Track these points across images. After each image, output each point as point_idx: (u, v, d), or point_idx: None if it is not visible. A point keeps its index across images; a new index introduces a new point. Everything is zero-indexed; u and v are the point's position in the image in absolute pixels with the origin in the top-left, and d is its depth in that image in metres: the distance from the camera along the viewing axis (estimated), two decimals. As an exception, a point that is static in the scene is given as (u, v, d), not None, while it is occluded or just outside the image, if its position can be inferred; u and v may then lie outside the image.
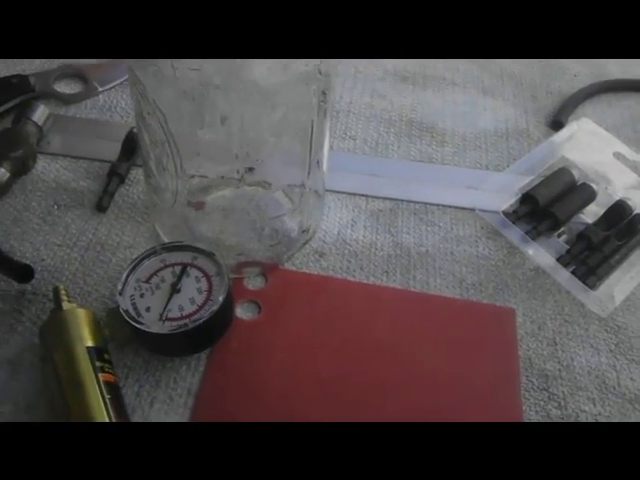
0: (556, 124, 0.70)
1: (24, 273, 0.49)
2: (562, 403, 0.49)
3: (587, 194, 0.61)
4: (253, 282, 0.53)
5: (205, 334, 0.46)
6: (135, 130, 0.61)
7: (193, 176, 0.49)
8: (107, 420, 0.40)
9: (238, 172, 0.47)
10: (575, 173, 0.62)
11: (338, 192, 0.61)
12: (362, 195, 0.62)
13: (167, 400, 0.46)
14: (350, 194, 0.62)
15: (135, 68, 0.43)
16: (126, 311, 0.45)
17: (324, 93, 0.46)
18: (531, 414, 0.48)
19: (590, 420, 0.48)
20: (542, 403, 0.48)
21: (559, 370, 0.50)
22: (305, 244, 0.56)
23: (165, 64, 0.41)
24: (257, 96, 0.43)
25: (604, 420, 0.48)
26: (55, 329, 0.44)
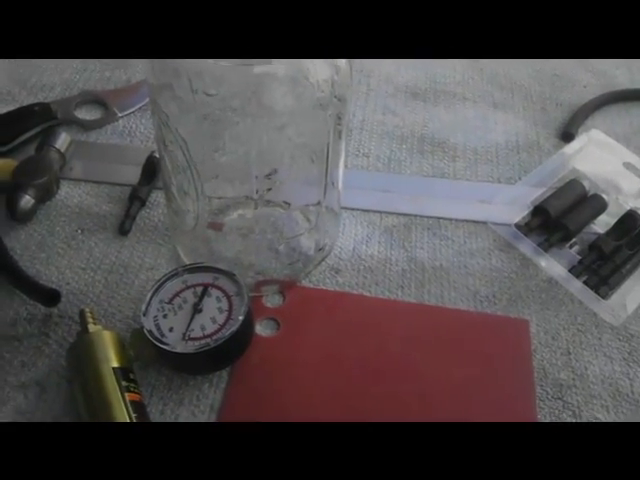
0: (566, 136, 0.71)
1: (51, 297, 0.51)
2: (577, 412, 0.49)
3: (598, 205, 0.62)
4: (271, 300, 0.55)
5: (226, 352, 0.48)
6: (155, 154, 0.63)
7: (213, 198, 0.51)
8: (134, 438, 0.42)
9: (257, 192, 0.48)
10: (586, 184, 0.63)
11: (353, 209, 0.63)
12: (376, 211, 0.63)
13: (190, 417, 0.48)
14: (364, 210, 0.63)
15: (156, 96, 0.45)
16: (150, 332, 0.47)
17: (339, 117, 0.47)
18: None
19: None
20: (557, 412, 0.49)
21: (573, 379, 0.51)
22: (321, 261, 0.58)
23: (184, 89, 0.43)
24: (274, 120, 0.44)
25: (618, 428, 0.49)
26: (82, 351, 0.46)
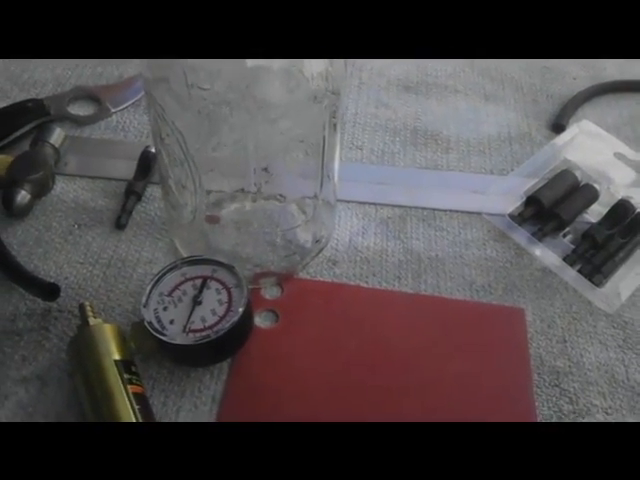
0: (557, 127, 0.72)
1: (51, 291, 0.51)
2: (573, 398, 0.50)
3: (590, 194, 0.63)
4: (270, 292, 0.55)
5: (227, 343, 0.48)
6: (149, 149, 0.63)
7: (210, 192, 0.51)
8: (138, 429, 0.42)
9: (255, 185, 0.49)
10: (578, 174, 0.64)
11: (348, 201, 0.63)
12: (371, 203, 0.63)
13: (192, 408, 0.48)
14: (360, 203, 0.63)
15: (152, 89, 0.45)
16: (150, 323, 0.47)
17: (334, 110, 0.48)
18: (544, 410, 0.49)
19: (601, 413, 0.49)
20: (554, 399, 0.50)
21: (569, 366, 0.52)
22: (318, 253, 0.58)
23: (179, 83, 0.43)
24: (269, 114, 0.45)
25: (615, 413, 0.49)
26: (83, 344, 0.46)
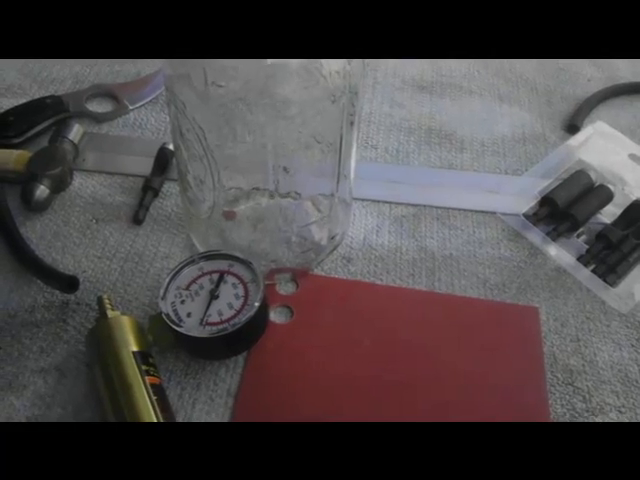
0: (572, 128, 0.72)
1: (70, 284, 0.52)
2: (587, 397, 0.50)
3: (604, 195, 0.63)
4: (285, 288, 0.56)
5: (243, 337, 0.49)
6: (167, 145, 0.64)
7: (231, 188, 0.51)
8: (155, 420, 0.43)
9: (274, 183, 0.49)
10: (592, 175, 0.64)
11: (362, 199, 0.64)
12: (386, 202, 0.64)
13: (208, 401, 0.48)
14: (374, 201, 0.64)
15: (173, 85, 0.46)
16: (167, 315, 0.47)
17: (352, 107, 0.48)
18: (557, 407, 0.49)
19: (614, 412, 0.49)
20: (567, 397, 0.50)
21: (583, 365, 0.52)
22: (333, 250, 0.58)
23: (199, 80, 0.43)
24: (287, 111, 0.45)
25: (628, 411, 0.49)
26: (102, 336, 0.47)
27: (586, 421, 0.49)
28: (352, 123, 0.50)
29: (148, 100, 0.72)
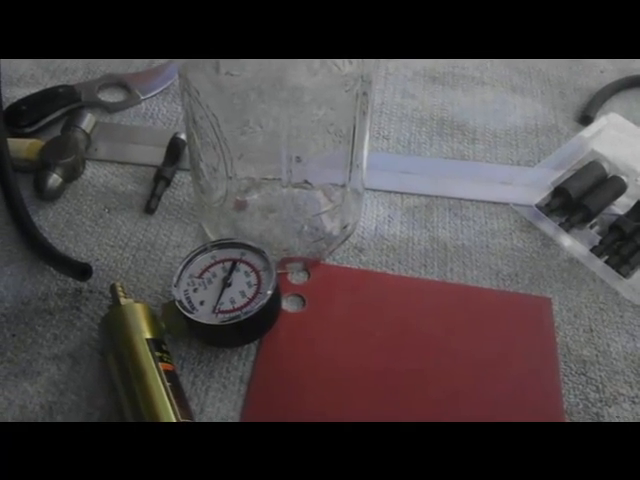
0: (585, 119, 0.72)
1: (83, 271, 0.52)
2: (600, 387, 0.50)
3: (618, 186, 0.63)
4: (297, 277, 0.56)
5: (255, 325, 0.49)
6: (179, 135, 0.64)
7: (243, 178, 0.51)
8: (169, 406, 0.43)
9: (287, 172, 0.49)
10: (605, 166, 0.64)
11: (374, 190, 0.63)
12: (397, 192, 0.64)
13: (221, 388, 0.49)
14: (386, 192, 0.64)
15: (187, 73, 0.46)
16: (180, 302, 0.47)
17: (365, 95, 0.48)
18: (570, 397, 0.49)
19: (628, 402, 0.49)
20: (581, 387, 0.50)
21: (596, 355, 0.52)
22: (345, 240, 0.58)
23: (211, 70, 0.43)
24: (300, 100, 0.45)
25: (642, 401, 0.49)
26: (115, 323, 0.47)
27: (599, 411, 0.49)
28: (365, 112, 0.50)
29: (160, 90, 0.72)
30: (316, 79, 0.45)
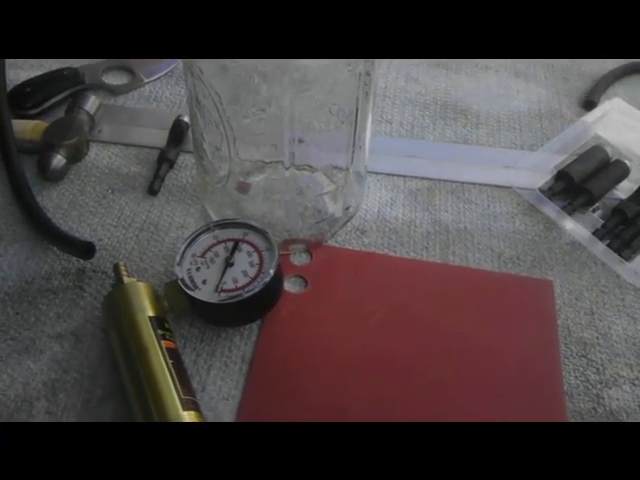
0: (588, 104, 0.72)
1: (87, 249, 0.52)
2: (600, 369, 0.50)
3: (621, 170, 0.63)
4: (299, 258, 0.56)
5: (257, 304, 0.49)
6: (182, 118, 0.64)
7: (246, 160, 0.51)
8: (171, 383, 0.43)
9: (290, 154, 0.49)
10: (608, 150, 0.64)
11: (377, 173, 0.63)
12: (400, 175, 0.64)
13: (223, 367, 0.49)
14: (388, 175, 0.64)
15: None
16: (183, 280, 0.48)
17: (368, 75, 0.48)
18: (571, 379, 0.49)
19: (628, 384, 0.49)
20: (581, 369, 0.50)
21: (597, 338, 0.52)
22: (347, 222, 0.59)
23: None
24: (304, 80, 0.45)
25: (642, 383, 0.50)
26: (118, 301, 0.47)
27: (599, 393, 0.49)
28: (368, 93, 0.50)
29: (163, 73, 0.72)
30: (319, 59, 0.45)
